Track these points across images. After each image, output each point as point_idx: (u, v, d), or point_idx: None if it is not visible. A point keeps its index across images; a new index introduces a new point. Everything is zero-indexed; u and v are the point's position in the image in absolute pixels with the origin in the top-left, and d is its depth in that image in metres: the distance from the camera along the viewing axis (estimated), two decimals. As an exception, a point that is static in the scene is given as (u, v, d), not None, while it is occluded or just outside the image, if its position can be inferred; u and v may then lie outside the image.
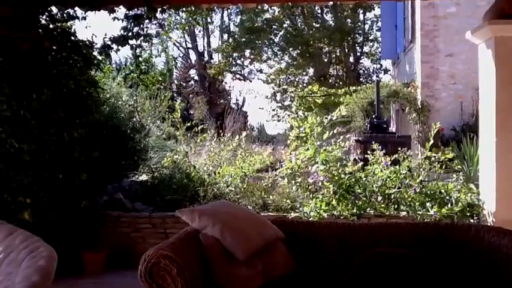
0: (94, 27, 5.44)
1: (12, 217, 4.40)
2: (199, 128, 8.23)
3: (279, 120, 21.72)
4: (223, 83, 25.43)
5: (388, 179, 5.38)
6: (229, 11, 24.48)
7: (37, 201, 4.66)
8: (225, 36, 24.96)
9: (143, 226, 5.60)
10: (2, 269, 2.79)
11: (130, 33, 5.19)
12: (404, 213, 5.14)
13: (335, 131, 6.08)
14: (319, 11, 23.66)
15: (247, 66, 24.62)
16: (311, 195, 5.55)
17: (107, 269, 5.34)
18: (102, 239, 5.55)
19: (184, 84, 24.59)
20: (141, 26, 5.20)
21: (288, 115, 20.04)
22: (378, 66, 24.53)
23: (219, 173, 6.35)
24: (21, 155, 4.45)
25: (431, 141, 5.68)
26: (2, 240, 3.02)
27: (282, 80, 24.01)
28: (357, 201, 5.24)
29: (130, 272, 2.68)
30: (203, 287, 2.79)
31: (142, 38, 5.26)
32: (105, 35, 5.21)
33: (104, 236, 5.59)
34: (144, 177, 7.22)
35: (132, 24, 5.18)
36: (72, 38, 4.97)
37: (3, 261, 2.84)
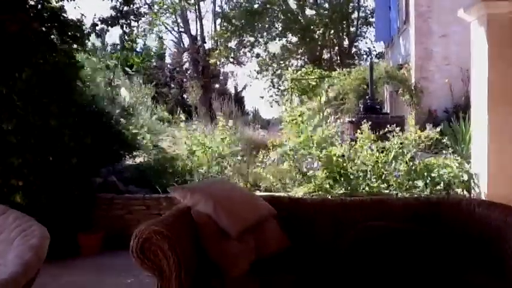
0: (83, 8, 5.37)
1: (5, 200, 4.40)
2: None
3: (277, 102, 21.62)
4: (218, 68, 25.27)
5: (379, 159, 5.38)
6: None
7: (29, 184, 4.65)
8: (218, 20, 24.73)
9: (137, 208, 5.63)
10: (-6, 248, 2.80)
11: (119, 14, 5.13)
12: (395, 192, 5.15)
13: (325, 113, 6.06)
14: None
15: (244, 52, 24.42)
16: (304, 178, 5.55)
17: (103, 250, 5.37)
18: (97, 221, 5.57)
19: (177, 68, 24.46)
20: (131, 6, 5.14)
21: (280, 99, 20.04)
22: (372, 48, 24.50)
23: (201, 155, 6.41)
24: (8, 136, 4.43)
25: (413, 123, 5.67)
26: (-6, 220, 3.02)
27: (275, 64, 23.91)
28: (349, 183, 5.24)
29: (126, 252, 2.68)
30: (196, 263, 2.80)
31: (132, 17, 5.21)
32: (94, 15, 5.15)
33: (98, 218, 5.62)
34: (137, 160, 7.24)
35: (122, 3, 5.12)
36: (62, 18, 4.91)
37: (-4, 240, 2.84)
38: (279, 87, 22.96)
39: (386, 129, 5.57)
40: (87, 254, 5.27)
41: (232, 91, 25.56)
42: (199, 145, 6.64)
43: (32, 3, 4.94)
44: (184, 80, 23.82)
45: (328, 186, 5.24)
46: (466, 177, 5.08)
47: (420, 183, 5.07)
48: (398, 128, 5.55)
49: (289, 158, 5.71)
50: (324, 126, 5.82)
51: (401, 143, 5.34)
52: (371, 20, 23.13)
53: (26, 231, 2.81)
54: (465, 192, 5.11)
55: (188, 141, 6.85)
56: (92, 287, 4.40)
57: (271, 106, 21.95)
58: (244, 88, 26.17)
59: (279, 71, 23.54)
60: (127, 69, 7.59)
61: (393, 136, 5.48)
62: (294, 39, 23.65)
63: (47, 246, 2.68)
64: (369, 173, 5.28)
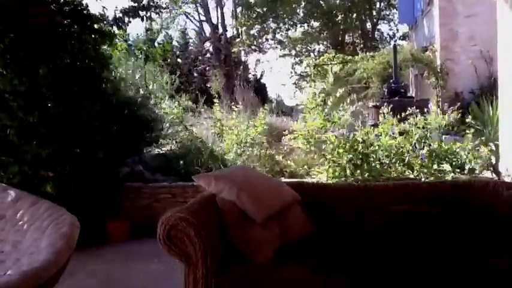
0: (105, 1, 5.42)
1: (36, 190, 4.52)
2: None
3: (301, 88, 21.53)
4: (240, 56, 25.26)
5: (401, 145, 5.32)
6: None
7: (58, 174, 4.77)
8: (239, 8, 24.61)
9: (164, 196, 5.71)
10: (28, 236, 2.90)
11: (141, 5, 5.18)
12: (419, 176, 5.10)
13: (348, 100, 6.04)
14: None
15: (266, 38, 24.30)
16: (326, 163, 5.53)
17: (130, 238, 5.47)
18: (125, 210, 5.68)
19: (199, 57, 24.53)
20: (152, -3, 5.19)
21: (303, 85, 19.95)
22: (395, 31, 24.12)
23: (225, 141, 6.48)
24: (36, 127, 4.55)
25: (434, 110, 5.59)
26: (26, 210, 3.12)
27: (298, 49, 23.77)
28: (370, 169, 5.19)
29: (153, 240, 2.76)
30: (221, 250, 2.85)
31: (153, 9, 5.25)
32: (116, 7, 5.21)
33: (126, 207, 5.72)
34: (163, 149, 7.34)
35: (143, -6, 5.17)
36: (84, 12, 4.98)
37: (29, 229, 2.95)
38: (301, 74, 22.82)
39: (407, 111, 5.51)
40: (115, 242, 5.37)
41: (255, 79, 25.54)
42: (228, 131, 6.72)
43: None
44: (207, 68, 23.88)
45: (349, 171, 5.20)
46: (493, 160, 5.00)
47: (446, 166, 5.00)
48: (419, 111, 5.49)
49: (309, 142, 5.68)
50: (343, 111, 5.78)
51: (423, 128, 5.28)
52: (394, 2, 22.71)
53: (57, 220, 2.90)
54: (493, 175, 5.03)
55: (215, 129, 6.94)
56: (120, 274, 4.49)
57: (294, 96, 21.89)
58: (262, 74, 26.08)
59: (301, 57, 23.39)
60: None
61: (415, 120, 5.42)
62: (316, 24, 23.42)
63: (77, 235, 2.76)
64: (391, 157, 5.23)
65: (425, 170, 5.06)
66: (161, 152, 7.22)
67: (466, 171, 4.92)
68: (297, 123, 5.80)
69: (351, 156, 5.27)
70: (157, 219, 2.75)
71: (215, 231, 2.83)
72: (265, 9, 22.73)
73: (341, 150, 5.26)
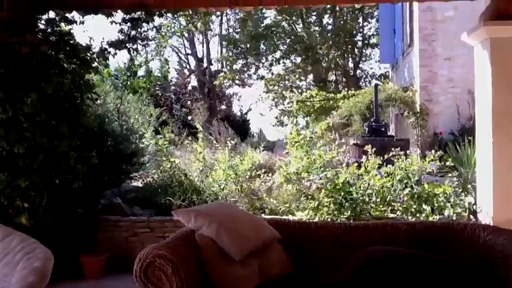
0: (91, 32, 5.44)
1: (9, 221, 4.41)
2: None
3: (282, 124, 21.72)
4: (224, 90, 25.49)
5: (384, 184, 5.36)
6: (228, 16, 24.59)
7: (34, 206, 4.67)
8: (224, 43, 24.96)
9: (141, 230, 5.60)
10: (-2, 270, 2.80)
11: (127, 37, 5.21)
12: (400, 216, 5.13)
13: (329, 138, 6.11)
14: (315, 17, 23.77)
15: (249, 74, 24.62)
16: (307, 201, 5.53)
17: (107, 273, 5.33)
18: (101, 244, 5.55)
19: (183, 90, 24.66)
20: (139, 29, 5.22)
21: (285, 121, 20.15)
22: (377, 70, 24.65)
23: (209, 176, 6.46)
24: (17, 159, 4.49)
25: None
26: (-1, 242, 3.03)
27: (281, 85, 24.09)
28: (354, 209, 5.20)
29: (130, 275, 2.69)
30: (200, 287, 2.80)
31: (139, 41, 5.28)
32: (103, 39, 5.23)
33: (103, 240, 5.59)
34: (142, 183, 7.25)
35: (130, 27, 5.20)
36: (71, 42, 5.00)
37: (0, 263, 2.85)
38: (284, 109, 23.05)
39: (391, 153, 5.59)
40: (90, 276, 5.24)
41: (238, 113, 25.74)
42: (210, 166, 6.71)
43: (42, 26, 5.03)
44: (188, 102, 23.99)
45: (332, 212, 5.20)
46: (471, 201, 5.06)
47: (426, 207, 5.04)
48: (402, 152, 5.56)
49: (293, 182, 5.71)
50: (328, 151, 5.83)
51: (405, 169, 5.35)
52: (374, 41, 23.32)
53: (30, 253, 2.82)
54: (471, 217, 5.08)
55: (198, 163, 6.92)
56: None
57: (275, 128, 22.10)
58: (249, 110, 26.32)
59: (284, 92, 23.69)
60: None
61: (398, 160, 5.49)
62: (299, 59, 23.87)
63: (50, 269, 2.68)
64: (374, 197, 5.26)
65: (407, 211, 5.08)
66: (141, 185, 7.14)
67: (444, 213, 4.95)
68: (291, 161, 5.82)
69: (333, 195, 5.27)
70: (134, 254, 2.69)
71: (194, 269, 2.78)
72: (248, 45, 23.09)
73: (324, 193, 5.27)
